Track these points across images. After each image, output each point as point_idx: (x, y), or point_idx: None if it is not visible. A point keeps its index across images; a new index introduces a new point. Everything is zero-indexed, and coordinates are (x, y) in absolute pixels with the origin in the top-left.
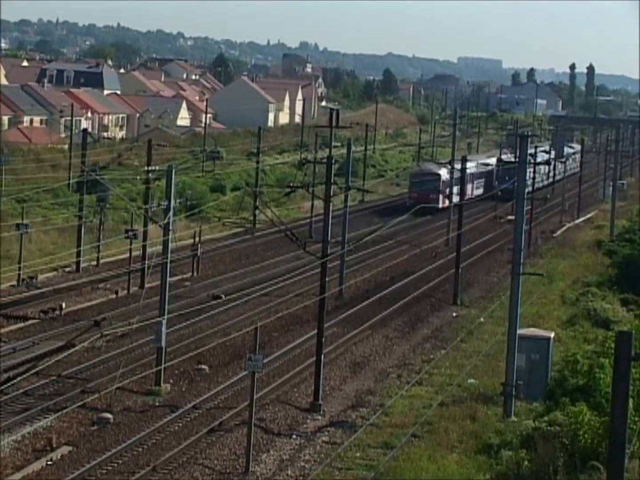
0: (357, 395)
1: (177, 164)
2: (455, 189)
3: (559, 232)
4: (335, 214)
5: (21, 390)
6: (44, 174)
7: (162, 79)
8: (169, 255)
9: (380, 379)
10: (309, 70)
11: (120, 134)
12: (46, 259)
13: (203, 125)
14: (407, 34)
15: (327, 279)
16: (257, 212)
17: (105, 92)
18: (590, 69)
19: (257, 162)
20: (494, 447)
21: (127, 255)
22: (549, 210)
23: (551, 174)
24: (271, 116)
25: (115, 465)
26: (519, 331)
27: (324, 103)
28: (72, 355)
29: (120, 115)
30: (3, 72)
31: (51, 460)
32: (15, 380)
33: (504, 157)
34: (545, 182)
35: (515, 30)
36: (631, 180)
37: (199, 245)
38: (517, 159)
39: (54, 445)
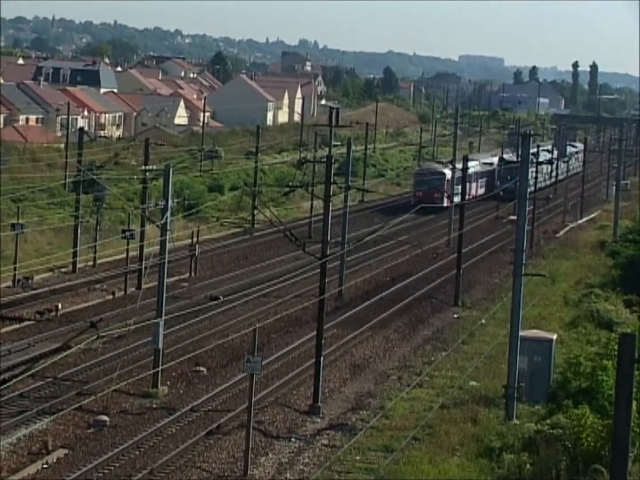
0: (357, 398)
1: (174, 163)
2: (459, 188)
3: (561, 233)
4: (335, 213)
5: (17, 393)
6: (40, 174)
7: (160, 77)
8: (167, 255)
9: (381, 381)
10: (308, 68)
11: (117, 132)
12: (42, 259)
13: (201, 124)
14: (408, 31)
15: (326, 279)
16: (255, 212)
17: (102, 90)
18: (594, 67)
19: (256, 162)
20: (496, 451)
21: (124, 255)
22: (551, 210)
23: (554, 173)
24: (270, 115)
25: (112, 468)
26: (521, 333)
27: (323, 101)
28: (68, 357)
29: (117, 114)
30: None
31: (47, 463)
32: (10, 382)
33: (506, 156)
34: (548, 182)
35: (517, 28)
36: (635, 180)
37: (197, 245)
38: (519, 159)
39: (50, 448)
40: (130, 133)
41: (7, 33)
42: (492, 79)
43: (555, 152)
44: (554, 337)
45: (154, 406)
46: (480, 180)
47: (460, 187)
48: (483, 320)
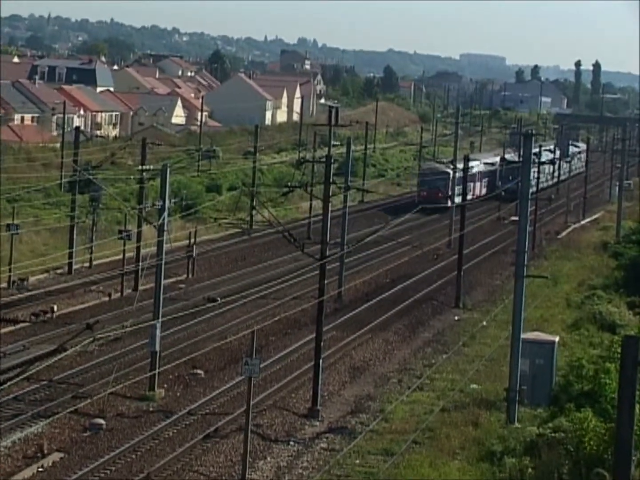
0: (357, 401)
1: (172, 163)
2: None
3: (564, 234)
4: (334, 214)
5: (11, 396)
6: (35, 173)
7: (157, 75)
8: (164, 256)
9: (380, 384)
10: (307, 67)
11: (114, 132)
12: (37, 260)
13: (199, 123)
14: (409, 30)
15: (325, 281)
16: (254, 212)
17: (98, 89)
18: (596, 66)
19: (254, 161)
20: (497, 454)
21: (121, 256)
22: (553, 211)
23: (556, 173)
24: (268, 114)
25: (108, 472)
26: (523, 335)
27: (322, 101)
28: (63, 359)
29: (114, 113)
30: None
31: (42, 467)
32: (5, 385)
33: (507, 156)
34: (550, 182)
35: (519, 26)
36: (638, 180)
37: (195, 246)
38: (521, 159)
39: (45, 452)
40: (127, 132)
41: (2, 31)
42: (493, 78)
43: (558, 152)
44: (556, 339)
45: (151, 409)
46: (483, 180)
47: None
48: (484, 322)
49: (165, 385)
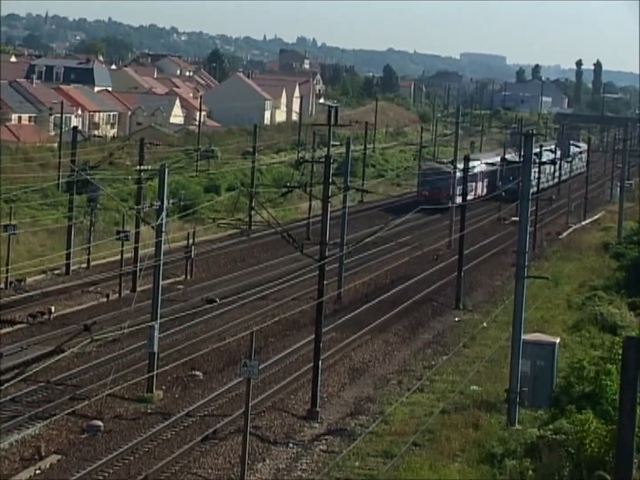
0: (356, 403)
1: (170, 163)
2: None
3: (564, 234)
4: (333, 214)
5: (9, 397)
6: (32, 174)
7: (155, 75)
8: (162, 257)
9: (380, 386)
10: (306, 66)
11: (112, 132)
12: (35, 261)
13: (197, 123)
14: (409, 29)
15: (325, 282)
16: (252, 213)
17: (96, 88)
18: (598, 65)
19: (253, 162)
20: (498, 457)
21: (119, 257)
22: (554, 211)
23: (557, 174)
24: (267, 114)
25: (106, 474)
26: (524, 336)
27: (322, 100)
28: (61, 360)
29: (112, 113)
30: None
31: (40, 469)
32: (2, 387)
33: (508, 156)
34: (551, 183)
35: (519, 26)
36: (639, 180)
37: (193, 247)
38: (522, 159)
39: (43, 454)
40: (125, 132)
41: (0, 30)
42: (494, 78)
43: (559, 152)
44: (557, 340)
45: (149, 411)
46: (485, 180)
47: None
48: (485, 324)
49: (164, 387)
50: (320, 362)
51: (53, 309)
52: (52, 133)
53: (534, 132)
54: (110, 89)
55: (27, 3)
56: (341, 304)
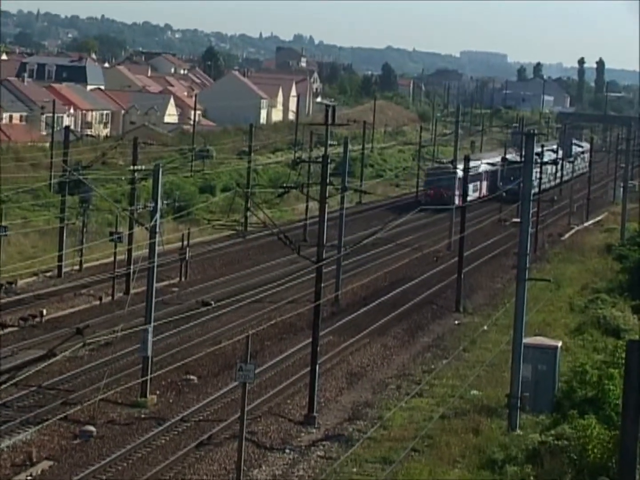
0: (354, 408)
1: (164, 163)
2: (472, 186)
3: (567, 236)
4: (331, 215)
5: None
6: (23, 174)
7: (149, 73)
8: (156, 259)
9: (379, 390)
10: (303, 64)
11: (105, 131)
12: (26, 263)
13: (192, 122)
14: (407, 26)
15: (322, 284)
16: (248, 214)
17: (89, 87)
18: (600, 63)
19: (249, 162)
20: (498, 462)
21: (112, 259)
22: (556, 212)
23: (559, 174)
24: (264, 113)
25: None
26: (525, 340)
27: (319, 99)
28: (53, 364)
29: (105, 112)
30: None
31: (31, 475)
32: None
33: (509, 156)
34: (553, 183)
35: (520, 23)
36: None
37: (188, 248)
38: (523, 159)
39: (34, 460)
40: (118, 132)
41: None
42: (494, 76)
43: (561, 152)
44: (559, 344)
45: (143, 416)
46: (489, 180)
47: (472, 185)
48: (485, 327)
49: (158, 392)
50: (317, 366)
51: (45, 312)
52: (44, 132)
53: (536, 131)
54: (103, 87)
55: (18, 0)
56: (339, 307)
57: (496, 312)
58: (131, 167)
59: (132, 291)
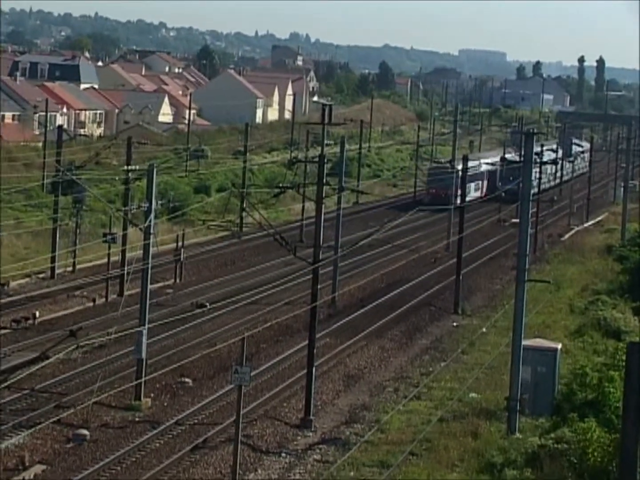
0: (351, 411)
1: (158, 163)
2: (473, 185)
3: (566, 236)
4: (327, 216)
5: None
6: (16, 174)
7: (143, 72)
8: (150, 260)
9: (376, 393)
10: (299, 63)
11: (98, 131)
12: (19, 264)
13: (186, 121)
14: (405, 24)
15: (319, 286)
16: (244, 214)
17: (82, 86)
18: (600, 62)
19: (244, 161)
20: (497, 466)
21: (105, 260)
22: (556, 212)
23: (558, 174)
24: (259, 112)
25: None
26: (524, 342)
27: (315, 98)
28: (46, 367)
29: (98, 111)
30: None
31: (24, 479)
32: None
33: (508, 156)
34: (552, 183)
35: (519, 22)
36: None
37: (182, 249)
38: (522, 158)
39: (27, 464)
40: (112, 131)
41: None
42: (493, 75)
43: (560, 152)
44: (559, 346)
45: (137, 419)
46: (490, 179)
47: (473, 184)
48: (484, 329)
49: (152, 395)
50: (314, 368)
51: (37, 314)
52: (37, 132)
53: (535, 131)
54: (96, 86)
55: None
56: (335, 309)
57: (495, 313)
58: (125, 167)
59: (126, 293)
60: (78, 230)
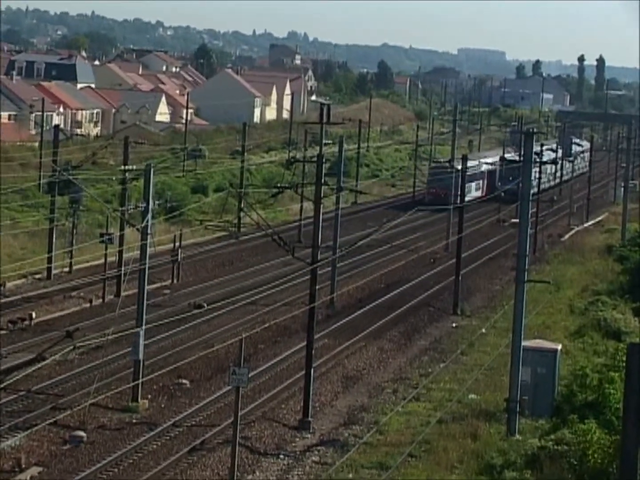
0: (350, 412)
1: (155, 163)
2: (474, 185)
3: (566, 237)
4: (326, 216)
5: None
6: (12, 174)
7: (140, 71)
8: (147, 261)
9: (375, 395)
10: (297, 62)
11: (95, 130)
12: (15, 265)
13: (184, 121)
14: (404, 23)
15: (317, 286)
16: (242, 214)
17: (79, 85)
18: (601, 61)
19: (242, 161)
20: (497, 468)
21: (102, 261)
22: (556, 212)
23: (558, 174)
24: (257, 112)
25: None
26: (524, 343)
27: (314, 97)
28: (42, 368)
29: (95, 111)
30: None
31: None
32: None
33: (507, 155)
34: (552, 183)
35: (519, 20)
36: None
37: (180, 250)
38: (522, 158)
39: (23, 466)
40: (109, 131)
41: None
42: (493, 74)
43: (560, 151)
44: (559, 347)
45: (134, 421)
46: (491, 179)
47: (474, 183)
48: (483, 330)
49: (149, 396)
50: (312, 369)
51: (34, 314)
52: (33, 132)
53: (535, 130)
54: (93, 85)
55: None
56: (334, 310)
57: (495, 314)
58: (122, 167)
59: (123, 293)
60: (75, 231)
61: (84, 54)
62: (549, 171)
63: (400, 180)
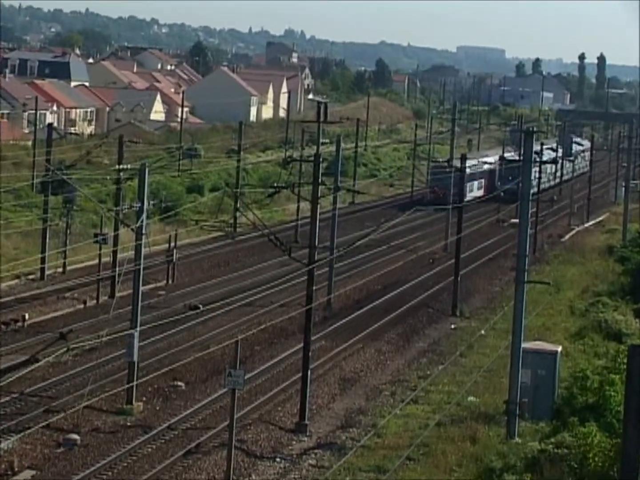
0: (347, 415)
1: (150, 162)
2: (476, 184)
3: (567, 237)
4: (323, 216)
5: None
6: (5, 173)
7: (135, 69)
8: (142, 261)
9: (372, 397)
10: (294, 60)
11: (89, 129)
12: (8, 265)
13: (179, 119)
14: (402, 21)
15: (314, 287)
16: (238, 214)
17: (73, 83)
18: (601, 59)
19: (238, 161)
20: (496, 471)
21: (96, 261)
22: (556, 213)
23: (558, 173)
24: (253, 110)
25: None
26: (524, 345)
27: (311, 96)
28: (36, 370)
29: (89, 109)
30: None
31: None
32: None
33: (507, 155)
34: (552, 183)
35: (519, 18)
36: None
37: (175, 250)
38: (522, 158)
39: (16, 469)
40: (103, 129)
41: None
42: (492, 72)
43: (560, 151)
44: (559, 349)
45: (129, 424)
46: (492, 178)
47: (476, 182)
48: (483, 331)
49: (144, 398)
50: (309, 372)
51: (27, 316)
52: (26, 130)
53: (535, 129)
54: (87, 83)
55: None
56: (331, 311)
57: (494, 315)
58: (116, 167)
59: (117, 294)
60: (68, 231)
61: (77, 51)
62: (549, 171)
63: (399, 180)
